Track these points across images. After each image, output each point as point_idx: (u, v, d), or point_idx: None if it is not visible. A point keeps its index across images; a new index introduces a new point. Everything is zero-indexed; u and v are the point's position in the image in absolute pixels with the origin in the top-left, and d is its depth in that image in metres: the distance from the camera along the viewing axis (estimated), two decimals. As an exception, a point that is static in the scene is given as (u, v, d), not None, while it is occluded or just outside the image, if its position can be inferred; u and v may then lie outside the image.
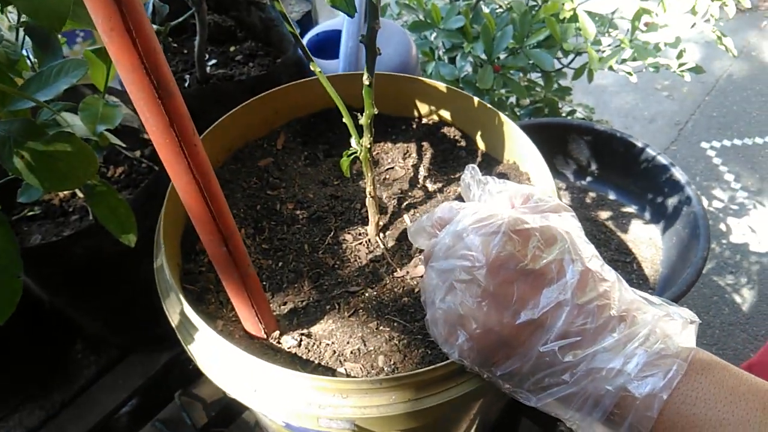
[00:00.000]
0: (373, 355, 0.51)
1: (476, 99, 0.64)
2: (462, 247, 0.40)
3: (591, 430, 0.38)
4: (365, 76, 0.48)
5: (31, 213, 0.71)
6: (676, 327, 0.38)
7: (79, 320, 0.83)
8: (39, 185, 0.46)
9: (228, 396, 0.83)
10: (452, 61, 1.29)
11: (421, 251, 0.59)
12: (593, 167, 1.19)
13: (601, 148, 1.15)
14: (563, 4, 1.21)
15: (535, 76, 1.36)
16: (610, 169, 1.17)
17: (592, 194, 1.19)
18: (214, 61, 0.90)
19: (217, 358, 0.47)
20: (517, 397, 0.41)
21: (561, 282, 0.38)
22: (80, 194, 0.71)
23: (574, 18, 1.18)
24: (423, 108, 0.70)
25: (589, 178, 1.21)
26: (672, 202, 1.04)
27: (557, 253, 0.39)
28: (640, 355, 0.36)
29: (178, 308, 0.50)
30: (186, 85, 0.86)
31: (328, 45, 0.94)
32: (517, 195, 0.45)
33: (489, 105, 0.63)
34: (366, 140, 0.52)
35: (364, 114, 0.50)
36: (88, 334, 0.87)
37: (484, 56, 1.17)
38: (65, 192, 0.73)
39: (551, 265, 0.38)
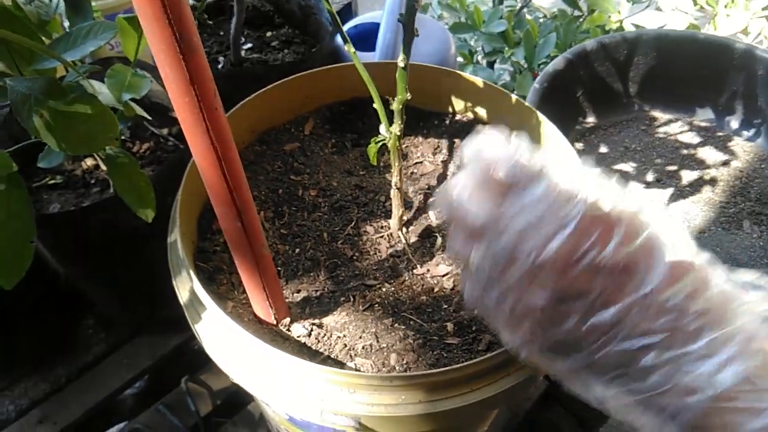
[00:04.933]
0: (385, 353, 0.48)
1: (514, 96, 0.61)
2: (534, 239, 0.32)
3: None
4: (400, 58, 0.45)
5: (52, 182, 0.70)
6: None
7: (91, 295, 0.82)
8: (56, 145, 0.45)
9: (234, 386, 0.81)
10: (491, 65, 1.27)
11: (443, 249, 0.56)
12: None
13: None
14: (610, 15, 1.18)
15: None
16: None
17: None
18: (249, 45, 0.89)
19: (224, 340, 0.45)
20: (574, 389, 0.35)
21: (647, 276, 0.31)
22: (103, 166, 0.70)
23: (620, 30, 1.15)
24: (458, 104, 0.68)
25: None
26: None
27: (644, 242, 0.31)
28: (738, 363, 0.29)
29: (188, 285, 0.48)
30: (219, 66, 0.84)
31: (367, 37, 0.92)
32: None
33: (527, 104, 0.61)
34: (396, 127, 0.50)
35: (396, 99, 0.48)
36: (100, 310, 0.86)
37: (524, 63, 1.14)
38: (88, 163, 0.72)
39: (635, 257, 0.31)
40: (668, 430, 0.31)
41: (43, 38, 0.54)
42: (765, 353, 0.29)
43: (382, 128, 0.51)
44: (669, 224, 0.33)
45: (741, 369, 0.29)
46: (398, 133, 0.50)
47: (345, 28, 0.94)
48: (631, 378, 0.31)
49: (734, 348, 0.29)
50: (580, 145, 0.93)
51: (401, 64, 0.46)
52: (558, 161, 0.35)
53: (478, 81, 0.64)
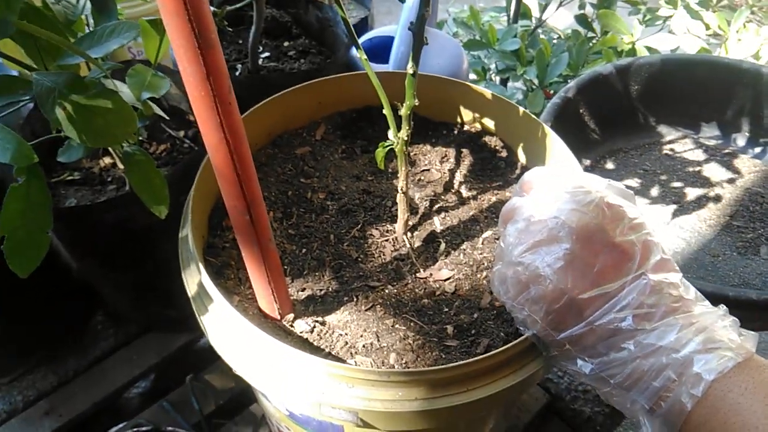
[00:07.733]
0: (385, 352, 0.49)
1: (521, 109, 0.63)
2: (554, 211, 0.41)
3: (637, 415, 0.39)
4: (409, 65, 0.47)
5: (70, 177, 0.72)
6: (736, 328, 0.39)
7: (102, 291, 0.84)
8: (77, 137, 0.46)
9: (238, 386, 0.82)
10: (503, 82, 1.28)
11: (446, 254, 0.57)
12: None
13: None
14: (622, 37, 1.19)
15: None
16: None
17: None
18: (267, 54, 0.91)
19: (228, 332, 0.47)
20: (568, 365, 0.42)
21: (644, 262, 0.39)
22: (120, 165, 0.72)
23: (633, 52, 1.16)
24: (467, 115, 0.69)
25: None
26: None
27: (644, 235, 0.40)
28: (698, 341, 0.37)
29: (196, 278, 0.50)
30: (237, 73, 0.87)
31: (381, 50, 0.94)
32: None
33: (533, 116, 0.62)
34: (404, 132, 0.51)
35: (404, 105, 0.49)
36: (110, 306, 0.88)
37: (536, 81, 1.16)
38: (106, 161, 0.74)
39: (636, 246, 0.39)
40: (640, 399, 0.38)
41: (69, 37, 0.56)
42: (722, 336, 0.37)
43: (390, 133, 0.52)
44: (659, 233, 0.41)
45: (699, 346, 0.37)
46: (405, 138, 0.51)
47: (360, 40, 0.96)
48: (617, 346, 0.39)
49: (696, 329, 0.38)
50: (587, 162, 0.94)
51: (410, 71, 0.47)
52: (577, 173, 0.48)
53: (487, 92, 0.66)
